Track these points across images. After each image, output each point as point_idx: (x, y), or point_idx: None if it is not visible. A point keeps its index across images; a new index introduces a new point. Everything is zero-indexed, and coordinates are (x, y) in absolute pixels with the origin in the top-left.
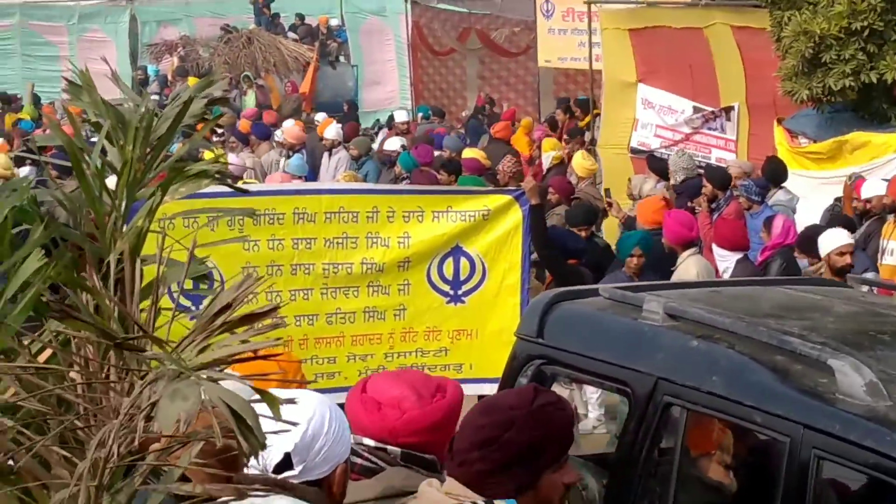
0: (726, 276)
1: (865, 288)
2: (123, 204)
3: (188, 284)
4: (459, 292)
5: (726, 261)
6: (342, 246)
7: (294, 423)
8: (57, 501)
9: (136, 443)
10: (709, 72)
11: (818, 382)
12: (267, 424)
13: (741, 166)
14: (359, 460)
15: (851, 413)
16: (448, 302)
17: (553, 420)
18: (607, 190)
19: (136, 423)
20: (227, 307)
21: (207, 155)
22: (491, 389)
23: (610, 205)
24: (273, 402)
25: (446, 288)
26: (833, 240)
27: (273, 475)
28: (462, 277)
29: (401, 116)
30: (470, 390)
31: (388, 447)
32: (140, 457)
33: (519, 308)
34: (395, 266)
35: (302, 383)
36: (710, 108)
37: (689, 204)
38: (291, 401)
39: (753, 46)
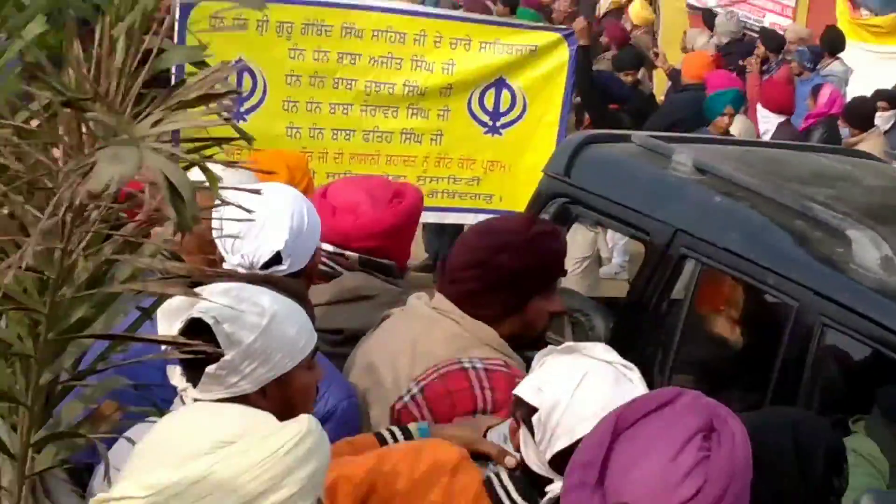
0: (766, 137)
1: None
2: None
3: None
4: (498, 124)
5: (768, 122)
6: (386, 65)
7: (250, 212)
8: (19, 258)
9: (78, 200)
10: None
11: (834, 251)
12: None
13: (798, 32)
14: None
15: (862, 284)
16: (486, 132)
17: (546, 249)
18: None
19: (76, 183)
20: (182, 83)
21: None
22: None
23: (656, 55)
24: (213, 180)
25: (485, 118)
26: None
27: (259, 272)
28: (502, 109)
29: None
30: None
31: (346, 252)
32: (116, 226)
33: (554, 146)
34: (436, 91)
35: (268, 173)
36: None
37: (740, 62)
38: (257, 191)
39: None
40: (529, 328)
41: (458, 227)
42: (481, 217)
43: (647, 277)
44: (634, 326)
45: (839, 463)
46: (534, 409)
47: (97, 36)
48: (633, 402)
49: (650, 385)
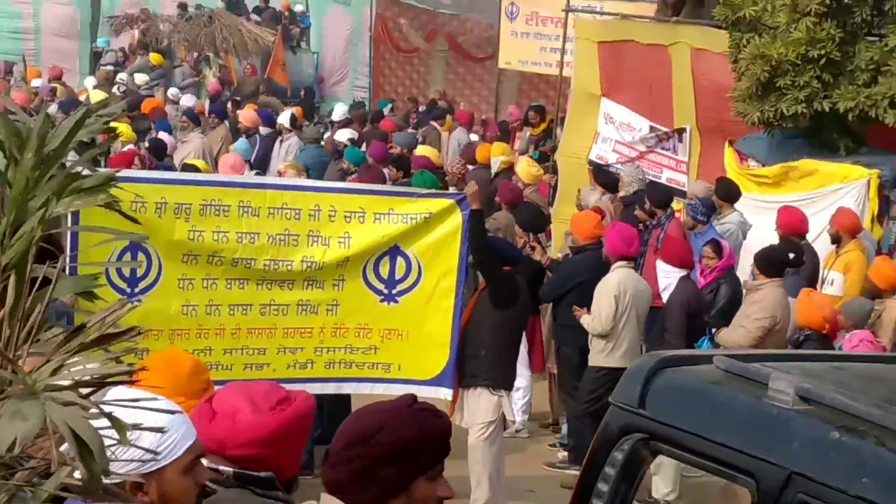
0: (667, 293)
1: None
2: (13, 214)
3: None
4: (394, 291)
5: (669, 277)
6: (284, 243)
7: (156, 454)
8: None
9: None
10: (666, 92)
11: None
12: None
13: (697, 189)
14: None
15: None
16: (382, 300)
17: (428, 424)
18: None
19: None
20: (82, 327)
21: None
22: (418, 391)
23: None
24: (121, 429)
25: (381, 287)
26: None
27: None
28: (397, 277)
29: (340, 112)
30: (398, 391)
31: (221, 468)
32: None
33: (452, 311)
34: (333, 265)
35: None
36: (665, 129)
37: (635, 213)
38: (160, 429)
39: (705, 70)
40: None
41: None
42: (379, 387)
43: None
44: None
45: None
46: None
47: None
48: None
49: None
